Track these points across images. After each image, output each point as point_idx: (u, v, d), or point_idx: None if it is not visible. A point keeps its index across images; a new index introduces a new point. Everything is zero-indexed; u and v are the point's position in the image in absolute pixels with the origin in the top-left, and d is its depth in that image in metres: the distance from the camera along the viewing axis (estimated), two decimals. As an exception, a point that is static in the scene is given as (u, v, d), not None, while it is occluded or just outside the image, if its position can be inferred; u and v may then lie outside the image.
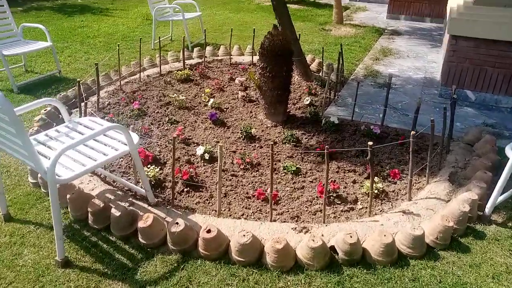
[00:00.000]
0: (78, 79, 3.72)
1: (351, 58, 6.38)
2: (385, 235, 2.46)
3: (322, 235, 2.61)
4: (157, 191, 3.16)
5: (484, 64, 4.67)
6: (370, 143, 2.72)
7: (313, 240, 2.40)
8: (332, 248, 2.51)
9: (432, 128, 3.18)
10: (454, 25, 4.64)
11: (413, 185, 3.32)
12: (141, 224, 2.54)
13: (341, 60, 4.84)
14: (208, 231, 2.46)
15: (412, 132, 2.90)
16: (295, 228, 2.67)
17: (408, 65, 6.17)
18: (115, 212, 2.61)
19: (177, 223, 2.51)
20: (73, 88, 4.64)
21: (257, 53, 4.19)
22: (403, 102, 4.90)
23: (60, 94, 4.37)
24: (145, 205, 2.89)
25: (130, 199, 2.96)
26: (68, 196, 2.77)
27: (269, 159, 3.66)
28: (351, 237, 2.43)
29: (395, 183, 3.39)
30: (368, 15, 10.21)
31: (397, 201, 3.16)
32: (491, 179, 3.10)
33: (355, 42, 7.24)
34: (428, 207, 2.90)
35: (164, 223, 2.65)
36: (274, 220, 2.87)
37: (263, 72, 4.11)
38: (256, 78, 4.27)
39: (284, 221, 2.88)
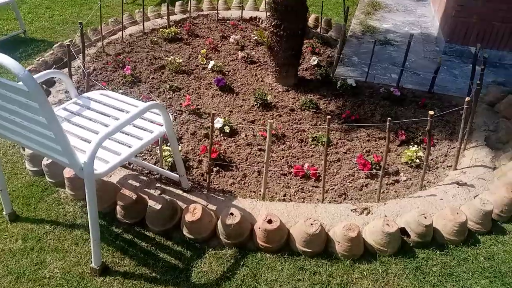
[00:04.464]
0: (66, 42, 3.13)
1: (342, 12, 6.02)
2: (457, 213, 2.29)
3: (385, 216, 2.40)
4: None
5: (492, 19, 4.52)
6: (431, 112, 2.48)
7: (388, 225, 2.18)
8: (402, 229, 2.31)
9: (478, 92, 3.00)
10: (465, -23, 4.40)
11: (448, 152, 3.19)
12: (188, 217, 2.18)
13: (345, 16, 4.48)
14: (269, 222, 2.16)
15: (467, 99, 2.69)
16: (355, 209, 2.43)
17: (401, 20, 5.93)
18: (154, 205, 2.22)
19: (231, 213, 2.18)
20: (51, 52, 3.96)
21: (269, 9, 3.74)
22: (410, 60, 4.68)
23: (38, 60, 3.71)
24: (179, 192, 2.51)
25: (159, 184, 2.57)
26: (90, 188, 2.32)
27: (293, 130, 3.36)
28: (425, 218, 2.24)
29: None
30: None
31: (438, 170, 3.00)
32: (532, 143, 3.01)
33: (341, -6, 6.86)
34: (479, 177, 2.76)
35: (211, 213, 2.31)
36: (322, 201, 2.61)
37: (275, 31, 3.70)
38: (266, 37, 3.85)
39: (334, 201, 2.64)
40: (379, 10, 6.27)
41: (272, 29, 3.73)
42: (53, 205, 2.46)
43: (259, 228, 2.18)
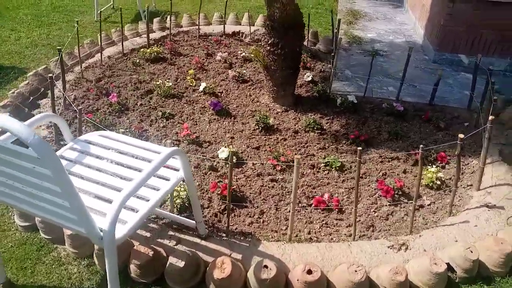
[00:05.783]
0: (49, 75, 2.79)
1: (325, 23, 5.92)
2: (502, 243, 2.16)
3: (425, 250, 2.23)
4: (187, 212, 2.48)
5: (481, 27, 4.52)
6: (460, 135, 2.34)
7: (436, 264, 2.00)
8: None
9: (496, 108, 2.90)
10: (453, -15, 4.37)
11: (464, 169, 3.08)
12: (217, 274, 1.92)
13: (335, 28, 4.33)
14: (309, 272, 1.94)
15: (491, 117, 2.57)
16: (392, 246, 2.25)
17: (384, 28, 5.88)
18: (176, 262, 1.95)
19: (265, 266, 1.95)
20: (26, 82, 3.58)
21: (264, 26, 3.53)
22: (402, 72, 4.60)
23: (13, 93, 3.32)
24: (197, 240, 2.24)
25: (172, 232, 2.29)
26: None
27: (302, 154, 3.16)
28: (471, 252, 2.08)
29: (443, 167, 3.11)
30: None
31: (459, 190, 2.87)
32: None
33: (318, 4, 6.76)
34: (506, 196, 2.65)
35: (240, 265, 2.06)
36: (353, 238, 2.42)
37: (272, 49, 3.49)
38: (262, 56, 3.63)
39: (364, 235, 2.45)
40: (360, 19, 6.20)
41: (268, 48, 3.52)
42: (54, 266, 2.13)
43: (297, 280, 1.95)
